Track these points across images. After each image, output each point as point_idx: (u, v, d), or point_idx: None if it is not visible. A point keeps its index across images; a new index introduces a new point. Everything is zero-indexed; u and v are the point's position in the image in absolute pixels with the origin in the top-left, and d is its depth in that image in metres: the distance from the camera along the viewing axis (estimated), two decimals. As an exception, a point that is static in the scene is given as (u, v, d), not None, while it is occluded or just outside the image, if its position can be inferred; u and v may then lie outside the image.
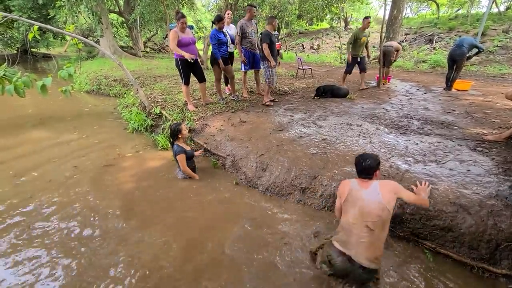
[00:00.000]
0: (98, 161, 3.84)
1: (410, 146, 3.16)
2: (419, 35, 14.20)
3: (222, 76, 5.52)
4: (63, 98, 6.31)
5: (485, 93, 6.07)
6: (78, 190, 3.12)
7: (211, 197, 3.02)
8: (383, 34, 6.98)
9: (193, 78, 4.80)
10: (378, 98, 5.72)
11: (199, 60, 4.64)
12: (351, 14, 25.02)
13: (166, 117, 4.83)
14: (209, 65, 5.62)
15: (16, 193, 3.04)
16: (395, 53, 6.95)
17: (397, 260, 2.14)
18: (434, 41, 12.93)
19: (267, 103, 5.15)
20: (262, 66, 4.99)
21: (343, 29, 19.40)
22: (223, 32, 4.78)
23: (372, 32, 17.41)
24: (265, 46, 4.56)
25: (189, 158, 3.38)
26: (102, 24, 13.65)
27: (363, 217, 1.76)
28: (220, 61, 4.68)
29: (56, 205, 2.83)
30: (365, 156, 1.94)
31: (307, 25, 23.18)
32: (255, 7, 5.03)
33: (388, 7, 10.86)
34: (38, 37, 4.43)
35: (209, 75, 6.22)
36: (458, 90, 6.39)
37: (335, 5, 13.63)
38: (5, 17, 4.34)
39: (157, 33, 21.70)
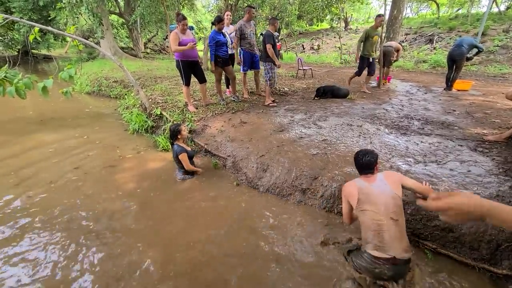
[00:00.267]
0: (99, 162, 3.85)
1: (411, 147, 3.17)
2: (419, 35, 14.19)
3: (223, 77, 5.54)
4: (64, 99, 6.34)
5: (485, 93, 6.06)
6: (79, 191, 3.13)
7: (212, 198, 3.02)
8: (383, 34, 6.98)
9: (193, 79, 4.81)
10: (378, 98, 5.72)
11: (199, 61, 4.67)
12: (351, 15, 25.02)
13: (166, 118, 4.84)
14: (209, 66, 5.63)
15: (17, 193, 3.05)
16: (395, 53, 6.95)
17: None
18: (434, 41, 12.93)
19: (270, 104, 5.16)
20: (262, 67, 5.00)
21: (343, 29, 19.41)
22: (222, 33, 4.78)
23: (372, 32, 17.42)
24: (269, 46, 4.57)
25: (190, 158, 3.39)
26: (103, 25, 13.69)
27: (385, 210, 1.75)
28: (213, 63, 4.69)
29: (56, 206, 2.84)
30: (363, 152, 1.96)
31: (307, 25, 23.21)
32: (254, 8, 5.05)
33: (388, 7, 10.85)
34: (39, 38, 4.46)
35: (210, 76, 6.23)
36: (459, 90, 6.39)
37: (335, 6, 13.64)
38: (6, 19, 4.35)
39: (157, 34, 21.76)
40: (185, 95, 4.87)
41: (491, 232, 2.03)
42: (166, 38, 20.67)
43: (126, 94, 7.21)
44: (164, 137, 4.41)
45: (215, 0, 18.58)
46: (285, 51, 16.71)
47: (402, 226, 1.76)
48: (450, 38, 12.68)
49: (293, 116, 4.48)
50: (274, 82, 4.99)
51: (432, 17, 18.27)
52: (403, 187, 1.88)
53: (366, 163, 1.92)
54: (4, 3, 13.98)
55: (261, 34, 4.90)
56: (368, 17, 28.74)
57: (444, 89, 6.43)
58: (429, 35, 13.59)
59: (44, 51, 19.47)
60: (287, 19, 14.41)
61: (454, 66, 6.08)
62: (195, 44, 4.30)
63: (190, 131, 4.29)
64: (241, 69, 5.50)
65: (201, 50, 10.85)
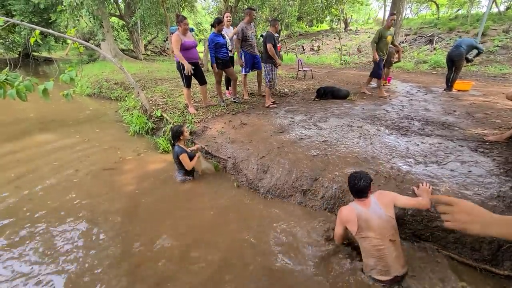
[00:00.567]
0: (99, 164, 3.86)
1: (411, 147, 3.16)
2: (419, 36, 14.21)
3: (223, 79, 5.55)
4: (65, 101, 6.33)
5: (486, 93, 6.06)
6: (79, 193, 3.13)
7: (212, 200, 3.02)
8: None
9: (193, 81, 4.82)
10: (378, 99, 5.72)
11: (199, 63, 4.68)
12: (351, 16, 25.05)
13: (167, 119, 4.84)
14: (210, 68, 5.65)
15: (17, 196, 3.05)
16: (396, 54, 6.95)
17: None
18: (434, 42, 12.94)
19: (270, 106, 5.16)
20: (263, 68, 5.02)
21: (343, 30, 19.43)
22: (221, 35, 4.80)
23: (372, 33, 17.45)
24: (269, 46, 4.59)
25: (190, 159, 3.39)
26: (103, 27, 13.73)
27: (384, 233, 1.84)
28: (214, 65, 4.71)
29: (55, 208, 2.84)
30: (358, 176, 1.97)
31: (307, 26, 23.26)
32: (254, 10, 5.06)
33: (388, 8, 10.86)
34: (40, 41, 4.45)
35: (210, 78, 6.24)
36: (459, 90, 6.39)
37: (334, 7, 13.65)
38: (7, 22, 4.37)
39: (157, 36, 21.83)
40: (186, 96, 4.88)
41: (492, 232, 2.02)
42: (166, 40, 20.74)
43: (126, 96, 7.23)
44: (165, 139, 4.42)
45: (215, 2, 18.64)
46: (285, 52, 16.73)
47: (399, 244, 1.87)
48: (450, 39, 12.68)
49: (293, 117, 4.48)
50: (274, 83, 5.00)
51: (432, 17, 18.29)
52: (396, 206, 1.94)
53: (361, 188, 1.94)
54: (5, 6, 14.05)
55: (261, 35, 4.92)
56: (368, 18, 28.77)
57: (444, 90, 6.43)
58: (429, 36, 13.61)
59: (45, 54, 19.56)
60: (287, 20, 14.45)
61: (454, 67, 6.09)
62: (195, 45, 4.34)
63: (190, 133, 4.29)
64: (243, 70, 5.51)
65: (201, 52, 10.87)
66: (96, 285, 1.97)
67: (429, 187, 2.27)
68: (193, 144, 4.26)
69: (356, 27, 20.85)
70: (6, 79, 3.98)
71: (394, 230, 1.86)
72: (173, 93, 6.36)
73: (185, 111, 4.96)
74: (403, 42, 13.86)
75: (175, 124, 4.45)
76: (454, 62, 5.99)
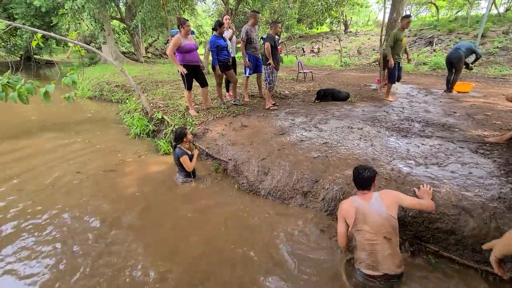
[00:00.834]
0: (100, 166, 3.87)
1: (412, 149, 3.16)
2: (419, 38, 14.24)
3: (224, 81, 5.57)
4: (66, 104, 6.37)
5: (486, 94, 6.06)
6: (79, 195, 3.14)
7: (213, 202, 3.02)
8: (383, 37, 7.01)
9: (194, 83, 4.84)
10: (378, 101, 5.73)
11: (200, 65, 4.70)
12: (351, 18, 25.14)
13: (168, 122, 4.86)
14: (210, 70, 5.67)
15: (18, 198, 3.06)
16: None
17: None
18: (434, 43, 12.97)
19: (270, 108, 5.17)
20: (264, 70, 5.04)
21: (343, 32, 19.50)
22: (223, 37, 4.82)
23: (372, 35, 17.51)
24: (267, 45, 4.61)
25: (190, 160, 3.40)
26: (104, 30, 13.81)
27: (380, 229, 1.82)
28: (217, 67, 4.73)
29: (55, 211, 2.84)
30: (363, 167, 1.99)
31: (307, 28, 23.34)
32: (259, 13, 5.09)
33: (388, 10, 10.90)
34: (42, 44, 4.48)
35: (211, 80, 6.26)
36: (459, 92, 6.40)
37: (334, 9, 13.71)
38: (9, 25, 4.40)
39: (158, 39, 21.94)
40: (187, 99, 4.90)
41: (493, 234, 2.02)
42: (167, 42, 20.81)
43: (127, 99, 7.25)
44: (166, 141, 4.43)
45: (215, 4, 18.72)
46: (285, 55, 16.79)
47: (395, 244, 1.84)
48: (450, 40, 12.71)
49: (293, 119, 4.49)
50: (273, 85, 5.02)
51: (432, 19, 18.35)
52: (401, 206, 1.90)
53: (365, 179, 1.95)
54: (7, 9, 14.15)
55: (262, 38, 4.94)
56: (367, 20, 28.85)
57: (445, 91, 6.44)
58: (429, 37, 13.64)
59: (46, 57, 19.65)
60: (287, 22, 14.50)
61: (453, 69, 6.12)
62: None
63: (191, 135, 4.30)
64: (246, 72, 5.53)
65: (202, 54, 10.92)
66: None
67: (430, 189, 2.28)
68: (194, 146, 4.27)
69: (356, 29, 20.92)
70: (8, 82, 4.01)
71: (392, 229, 1.84)
72: (174, 95, 6.39)
73: (186, 114, 4.98)
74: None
75: (176, 126, 4.47)
76: (453, 64, 6.02)
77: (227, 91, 6.01)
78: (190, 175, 3.44)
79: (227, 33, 5.40)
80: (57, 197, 3.11)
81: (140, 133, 5.03)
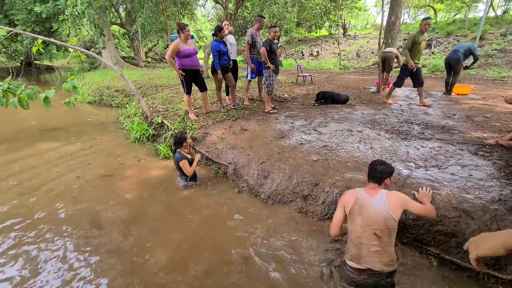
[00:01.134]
0: (100, 171, 3.86)
1: (411, 151, 3.16)
2: (417, 40, 14.31)
3: (223, 85, 5.59)
4: (66, 109, 6.39)
5: (485, 96, 6.08)
6: (79, 200, 3.13)
7: (213, 206, 3.02)
8: (382, 40, 7.05)
9: (194, 87, 4.86)
10: (378, 103, 5.74)
11: (200, 70, 4.73)
12: (349, 21, 25.31)
13: (167, 126, 4.87)
14: (210, 74, 5.70)
15: (18, 202, 3.06)
16: (395, 59, 7.01)
17: (402, 267, 2.12)
18: (433, 46, 13.04)
19: (270, 111, 5.19)
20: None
21: (342, 36, 19.61)
22: (223, 42, 4.85)
23: (371, 38, 17.60)
24: (263, 49, 4.67)
25: (190, 165, 3.41)
26: (104, 36, 13.89)
27: (371, 224, 1.79)
28: (219, 72, 4.75)
29: (56, 216, 2.84)
30: (380, 161, 1.97)
31: (306, 32, 23.48)
32: (264, 17, 5.15)
33: (386, 14, 10.98)
34: (42, 50, 4.51)
35: (210, 84, 6.28)
36: (458, 94, 6.42)
37: (333, 13, 13.82)
38: (10, 31, 4.43)
39: (158, 44, 22.07)
40: (186, 103, 4.91)
41: (494, 236, 2.02)
42: (167, 47, 20.92)
43: (127, 103, 7.27)
44: (166, 145, 4.43)
45: (214, 9, 18.86)
46: (284, 58, 16.87)
47: (385, 243, 1.78)
48: (448, 43, 12.78)
49: (293, 123, 4.50)
50: (272, 89, 5.04)
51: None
52: (407, 210, 1.87)
53: (378, 171, 1.93)
54: (8, 16, 14.26)
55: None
56: (366, 23, 29.03)
57: (444, 93, 6.46)
58: (428, 40, 13.70)
59: (46, 62, 19.76)
60: (286, 26, 14.60)
61: (452, 71, 6.14)
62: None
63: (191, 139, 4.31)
64: (249, 76, 5.56)
65: (201, 59, 10.97)
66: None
67: (430, 191, 2.27)
68: (194, 150, 4.28)
69: (355, 33, 21.03)
70: (8, 87, 4.03)
71: (386, 228, 1.78)
72: (173, 99, 6.40)
73: (185, 118, 4.99)
74: (401, 47, 13.95)
75: (176, 130, 4.48)
76: (452, 66, 6.05)
77: (227, 94, 6.03)
78: (191, 178, 3.44)
79: (231, 38, 5.46)
80: (57, 202, 3.10)
81: (140, 137, 5.03)
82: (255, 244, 2.41)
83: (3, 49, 16.37)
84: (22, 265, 2.21)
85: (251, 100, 6.19)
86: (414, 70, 5.21)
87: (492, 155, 2.94)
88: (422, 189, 2.31)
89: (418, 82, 5.36)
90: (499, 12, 16.53)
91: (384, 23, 10.12)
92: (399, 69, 9.54)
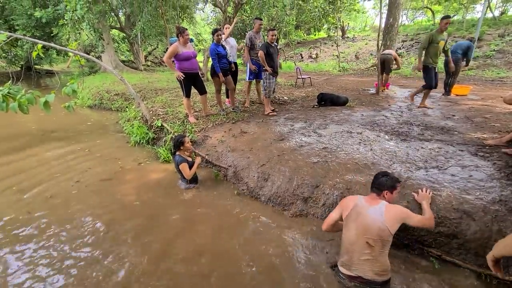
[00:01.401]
0: (100, 175, 3.86)
1: (411, 153, 3.16)
2: (416, 42, 14.38)
3: (223, 88, 5.61)
4: (66, 113, 6.40)
5: (484, 97, 6.09)
6: (79, 204, 3.12)
7: (213, 209, 3.01)
8: (380, 42, 7.08)
9: (193, 90, 4.87)
10: (377, 105, 5.75)
11: (199, 73, 4.74)
12: (348, 23, 25.42)
13: (167, 129, 4.87)
14: (209, 77, 5.72)
15: (18, 207, 3.05)
16: (395, 61, 7.03)
17: (403, 269, 2.11)
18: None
19: (270, 114, 5.19)
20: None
21: (341, 38, 19.70)
22: (222, 45, 4.87)
23: (369, 40, 17.67)
24: (260, 53, 4.69)
25: (190, 167, 3.41)
26: (103, 40, 13.95)
27: (364, 233, 1.79)
28: (220, 74, 4.77)
29: (54, 221, 2.82)
30: (385, 173, 2.00)
31: (305, 35, 23.55)
32: (261, 19, 5.18)
33: (384, 16, 11.04)
34: (42, 54, 4.52)
35: (210, 87, 6.30)
36: (457, 95, 6.43)
37: (331, 15, 13.88)
38: (10, 37, 4.45)
39: (157, 47, 22.13)
40: (186, 106, 4.92)
41: (496, 237, 2.01)
42: (166, 50, 21.00)
43: (127, 107, 7.28)
44: (165, 149, 4.43)
45: (213, 13, 18.95)
46: (283, 61, 16.92)
47: (377, 252, 1.77)
48: (447, 44, 12.81)
49: (293, 125, 4.50)
50: (269, 91, 5.05)
51: (428, 23, 18.55)
52: (406, 223, 1.85)
53: (378, 182, 1.96)
54: (8, 21, 14.32)
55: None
56: (364, 25, 29.16)
57: (443, 94, 6.48)
58: (426, 42, 13.76)
59: (46, 66, 19.80)
60: (285, 29, 14.65)
61: (451, 72, 6.15)
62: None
63: (191, 142, 4.30)
64: (248, 77, 5.58)
65: (201, 62, 11.01)
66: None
67: (429, 193, 2.26)
68: (194, 153, 4.27)
69: (353, 35, 21.13)
70: (8, 92, 4.03)
71: (379, 238, 1.76)
72: (173, 103, 6.41)
73: (185, 121, 4.99)
74: (400, 48, 14.01)
75: (175, 133, 4.48)
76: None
77: (227, 97, 6.05)
78: (192, 180, 3.45)
79: (232, 41, 5.49)
80: (56, 207, 3.09)
81: (140, 140, 5.03)
82: (255, 246, 2.40)
83: (3, 54, 16.41)
84: (15, 269, 2.20)
85: (251, 103, 6.20)
86: (435, 71, 4.98)
87: (492, 155, 2.94)
88: (422, 191, 2.31)
89: (436, 83, 5.18)
90: (496, 13, 16.61)
91: (383, 25, 10.18)
92: (398, 70, 9.57)
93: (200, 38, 22.27)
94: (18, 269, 2.21)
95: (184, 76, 4.43)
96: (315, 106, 5.84)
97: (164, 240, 2.52)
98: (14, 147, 5.00)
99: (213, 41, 4.82)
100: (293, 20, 15.01)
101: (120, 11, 15.72)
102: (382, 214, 1.81)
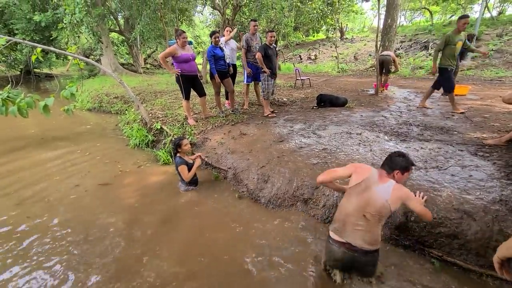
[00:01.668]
0: (100, 178, 3.85)
1: (411, 153, 3.16)
2: (414, 42, 14.41)
3: (222, 90, 5.61)
4: (65, 116, 6.40)
5: (483, 97, 6.10)
6: (79, 208, 3.12)
7: (213, 211, 3.00)
8: (379, 43, 7.09)
9: (193, 93, 4.87)
10: (376, 105, 5.76)
11: (198, 75, 4.75)
12: (346, 25, 25.51)
13: (167, 132, 4.87)
14: (208, 79, 5.73)
15: (16, 212, 3.04)
16: (393, 62, 7.05)
17: (403, 270, 2.10)
18: (430, 47, 13.10)
19: (269, 115, 5.19)
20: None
21: (339, 39, 19.74)
22: (219, 47, 4.89)
23: (368, 41, 17.71)
24: (258, 55, 4.69)
25: (189, 169, 3.40)
26: (102, 43, 13.97)
27: (365, 207, 1.78)
28: (216, 76, 4.78)
29: (52, 226, 2.81)
30: (401, 153, 1.91)
31: (303, 36, 23.61)
32: (256, 21, 5.20)
33: (382, 17, 11.08)
34: (41, 58, 4.53)
35: (209, 89, 6.30)
36: (456, 94, 6.42)
37: (330, 17, 13.92)
38: (9, 41, 4.46)
39: (157, 50, 22.15)
40: (185, 108, 4.92)
41: (496, 237, 2.01)
42: (166, 53, 21.00)
43: (126, 110, 7.28)
44: (165, 151, 4.43)
45: (212, 15, 19.00)
46: (282, 62, 16.95)
47: (372, 226, 1.77)
48: (445, 44, 12.84)
49: (292, 126, 4.50)
50: (268, 93, 5.06)
51: (426, 24, 18.59)
52: (406, 204, 1.83)
53: (390, 160, 1.88)
54: (7, 25, 14.36)
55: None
56: (363, 26, 29.24)
57: (442, 94, 6.47)
58: (424, 42, 13.80)
59: (46, 70, 19.81)
60: (283, 31, 14.69)
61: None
62: (179, 74, 4.42)
63: (191, 144, 4.30)
64: (245, 80, 5.59)
65: (200, 64, 11.02)
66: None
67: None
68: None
69: (352, 36, 21.17)
70: (8, 96, 4.04)
71: (378, 214, 1.75)
72: (172, 105, 6.41)
73: (184, 123, 4.99)
74: (398, 49, 14.04)
75: (175, 136, 4.48)
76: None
77: (227, 99, 6.05)
78: (191, 183, 3.44)
79: (232, 43, 5.50)
80: (56, 211, 3.08)
81: (139, 143, 5.03)
82: (256, 248, 2.39)
83: (3, 58, 16.44)
84: (13, 273, 2.20)
85: (250, 105, 6.20)
86: (443, 73, 4.80)
87: (491, 155, 2.94)
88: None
89: (437, 84, 5.06)
90: (494, 13, 16.67)
91: (381, 26, 10.20)
92: (397, 72, 9.57)
93: (199, 40, 22.32)
94: (15, 274, 2.20)
95: (179, 73, 4.42)
96: (315, 107, 5.84)
97: (162, 243, 2.52)
98: (14, 151, 4.99)
99: (211, 43, 4.84)
100: (291, 22, 15.05)
101: (119, 14, 15.75)
102: (389, 193, 1.77)
